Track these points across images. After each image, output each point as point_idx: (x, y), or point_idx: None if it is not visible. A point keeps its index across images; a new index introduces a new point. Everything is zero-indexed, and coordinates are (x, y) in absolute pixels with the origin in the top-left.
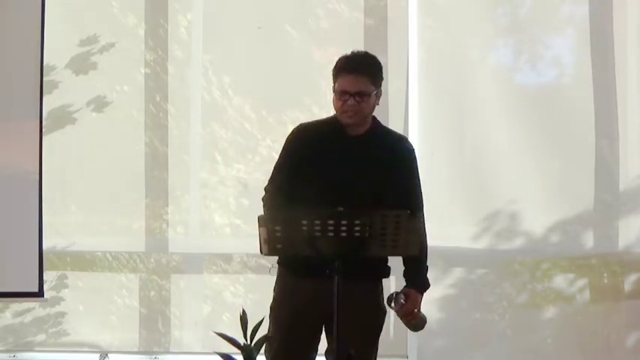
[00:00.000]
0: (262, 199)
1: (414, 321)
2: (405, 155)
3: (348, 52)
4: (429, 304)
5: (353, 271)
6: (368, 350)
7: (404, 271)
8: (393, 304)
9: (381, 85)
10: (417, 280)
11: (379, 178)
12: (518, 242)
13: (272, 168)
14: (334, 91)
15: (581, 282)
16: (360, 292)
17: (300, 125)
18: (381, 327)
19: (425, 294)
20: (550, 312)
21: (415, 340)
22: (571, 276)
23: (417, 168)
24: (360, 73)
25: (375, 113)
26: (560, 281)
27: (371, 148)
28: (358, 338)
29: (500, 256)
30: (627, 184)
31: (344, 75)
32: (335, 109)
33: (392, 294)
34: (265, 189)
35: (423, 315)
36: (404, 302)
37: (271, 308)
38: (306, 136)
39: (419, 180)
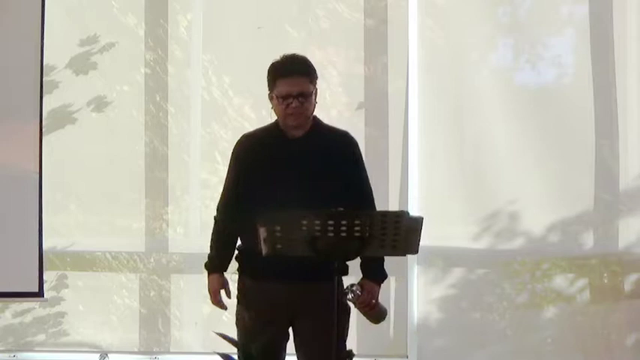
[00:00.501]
0: (214, 217)
1: (373, 312)
2: (351, 150)
3: (278, 58)
4: (429, 304)
5: (314, 270)
6: (333, 348)
7: (360, 262)
8: (349, 296)
9: (316, 84)
10: (373, 271)
11: (329, 175)
12: (518, 242)
13: None
14: (273, 98)
15: (581, 282)
16: (322, 291)
17: (243, 136)
18: (344, 326)
19: (425, 294)
20: (550, 312)
21: (415, 340)
22: (571, 276)
23: (363, 161)
24: (298, 74)
25: (374, 113)
26: (560, 281)
27: (315, 148)
28: (323, 338)
29: (500, 256)
30: (627, 184)
31: (282, 79)
32: (277, 114)
33: (347, 286)
34: (217, 207)
35: (383, 306)
36: (360, 293)
37: (237, 316)
38: (250, 144)
39: (366, 171)
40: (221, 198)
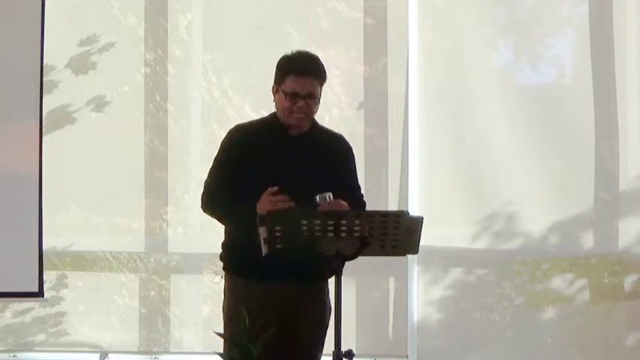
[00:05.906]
0: (202, 201)
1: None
2: (347, 152)
3: (289, 53)
4: (429, 304)
5: (307, 271)
6: (316, 348)
7: None
8: (317, 200)
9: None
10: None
11: (327, 173)
12: (517, 242)
13: None
14: (278, 91)
15: (581, 282)
16: (310, 291)
17: (237, 126)
18: (327, 325)
19: (425, 294)
20: (550, 312)
21: (415, 340)
22: (571, 276)
23: (355, 163)
24: (311, 75)
25: (374, 113)
26: (559, 281)
27: (315, 146)
28: (308, 337)
29: (500, 256)
30: (627, 184)
31: (294, 77)
32: (280, 108)
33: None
34: (203, 193)
35: None
36: (330, 199)
37: (225, 314)
38: (245, 136)
39: (356, 172)
40: (206, 190)
